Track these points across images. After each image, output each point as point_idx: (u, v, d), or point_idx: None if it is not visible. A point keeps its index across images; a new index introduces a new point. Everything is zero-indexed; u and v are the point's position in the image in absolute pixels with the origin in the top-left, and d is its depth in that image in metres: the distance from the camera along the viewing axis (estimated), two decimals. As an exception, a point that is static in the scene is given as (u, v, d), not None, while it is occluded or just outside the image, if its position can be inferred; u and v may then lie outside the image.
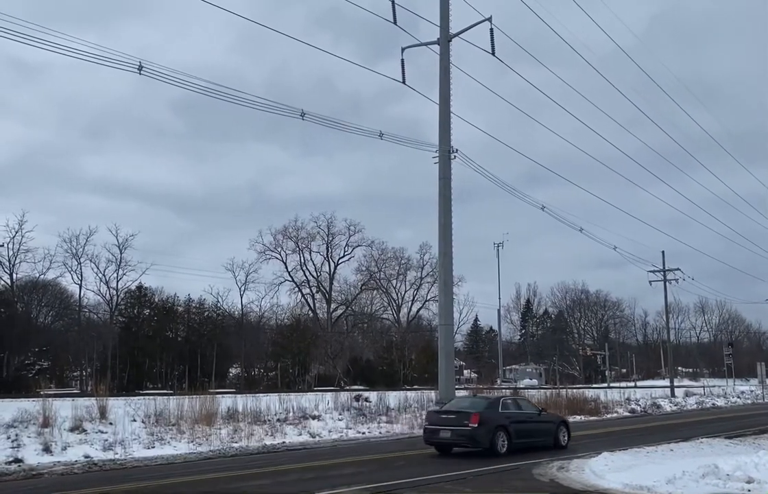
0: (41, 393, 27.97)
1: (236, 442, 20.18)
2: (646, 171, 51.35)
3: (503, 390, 40.57)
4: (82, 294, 67.06)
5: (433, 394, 34.22)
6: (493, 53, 33.38)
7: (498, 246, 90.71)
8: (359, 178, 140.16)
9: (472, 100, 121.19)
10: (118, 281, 66.58)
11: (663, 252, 59.28)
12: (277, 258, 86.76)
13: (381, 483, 12.99)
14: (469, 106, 42.93)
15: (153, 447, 18.72)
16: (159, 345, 66.18)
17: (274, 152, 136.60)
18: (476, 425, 17.25)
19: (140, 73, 22.89)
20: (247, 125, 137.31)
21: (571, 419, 31.66)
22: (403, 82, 35.07)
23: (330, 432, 23.40)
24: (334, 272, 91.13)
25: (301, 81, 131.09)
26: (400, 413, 28.44)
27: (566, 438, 19.89)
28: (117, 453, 17.57)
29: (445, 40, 34.21)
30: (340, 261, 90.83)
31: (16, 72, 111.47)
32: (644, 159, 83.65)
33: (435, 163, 34.34)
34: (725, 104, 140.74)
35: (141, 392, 50.45)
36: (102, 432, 19.59)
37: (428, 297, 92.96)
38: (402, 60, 35.02)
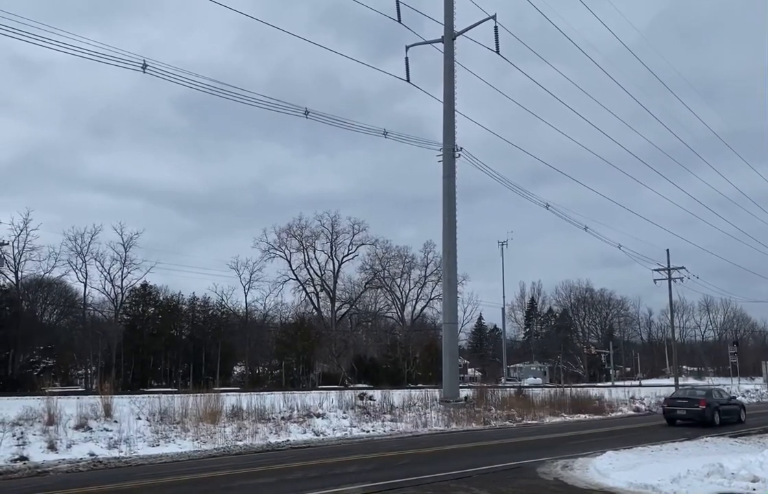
0: (46, 391, 28.02)
1: (241, 440, 20.19)
2: (651, 169, 51.35)
3: (507, 389, 40.52)
4: (86, 292, 67.45)
5: (437, 392, 34.21)
6: (497, 51, 33.40)
7: (502, 244, 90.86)
8: (363, 176, 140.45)
9: (476, 98, 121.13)
10: (122, 280, 67.01)
11: (668, 250, 59.11)
12: (281, 257, 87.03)
13: (385, 481, 12.99)
14: (474, 104, 43.12)
15: (158, 445, 18.74)
16: (163, 343, 66.36)
17: (277, 150, 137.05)
18: (704, 407, 26.35)
19: (144, 72, 22.97)
20: (251, 123, 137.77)
21: (575, 418, 31.86)
22: (408, 80, 35.13)
23: (334, 430, 23.39)
24: (338, 271, 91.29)
25: (305, 79, 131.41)
26: (404, 411, 28.40)
27: (744, 416, 28.91)
28: (122, 451, 17.59)
29: (449, 38, 34.20)
30: (344, 260, 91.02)
31: (20, 70, 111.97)
32: (649, 157, 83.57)
33: (439, 161, 34.36)
34: (730, 102, 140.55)
35: (145, 390, 50.54)
36: (107, 430, 19.62)
37: (432, 296, 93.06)
38: (406, 58, 35.12)
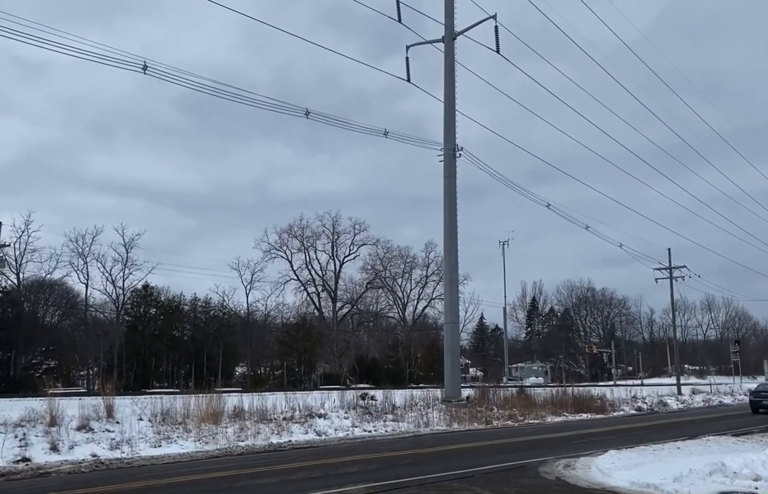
0: (48, 392, 27.99)
1: (243, 441, 20.20)
2: (652, 168, 51.29)
3: (509, 389, 40.51)
4: (88, 293, 67.45)
5: (439, 392, 34.22)
6: (497, 51, 33.38)
7: (503, 244, 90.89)
8: (364, 176, 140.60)
9: (477, 97, 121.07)
10: (124, 281, 67.02)
11: (669, 249, 59.15)
12: (282, 257, 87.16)
13: (388, 480, 12.99)
14: (474, 104, 43.15)
15: (160, 446, 18.74)
16: (165, 344, 66.46)
17: (278, 150, 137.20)
18: None
19: (145, 73, 22.98)
20: (252, 123, 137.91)
21: (577, 417, 31.81)
22: (408, 80, 35.13)
23: (336, 430, 23.39)
24: (339, 271, 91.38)
25: (306, 79, 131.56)
26: (406, 411, 28.41)
27: None
28: (124, 452, 17.60)
29: (449, 38, 34.21)
30: (345, 260, 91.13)
31: (21, 71, 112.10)
32: (650, 156, 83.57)
33: (440, 161, 34.36)
34: (731, 101, 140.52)
35: (147, 391, 50.61)
36: (109, 431, 19.63)
37: (434, 295, 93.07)
38: (407, 58, 35.12)
